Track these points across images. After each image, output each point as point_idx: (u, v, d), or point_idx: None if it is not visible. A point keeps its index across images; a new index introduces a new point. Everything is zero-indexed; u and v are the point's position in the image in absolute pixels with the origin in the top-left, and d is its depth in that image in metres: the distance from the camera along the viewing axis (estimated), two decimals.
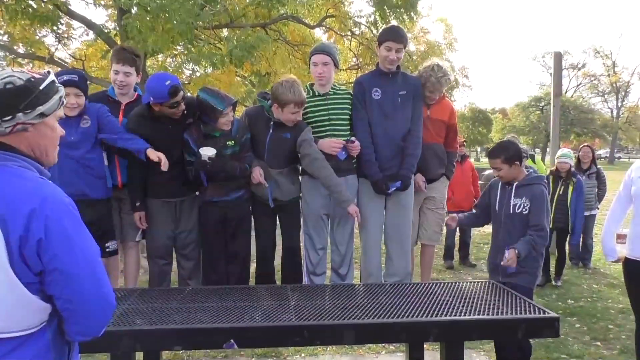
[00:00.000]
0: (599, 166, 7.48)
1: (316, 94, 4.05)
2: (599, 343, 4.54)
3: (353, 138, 3.98)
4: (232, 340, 2.62)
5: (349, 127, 4.09)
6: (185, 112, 3.80)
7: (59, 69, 8.93)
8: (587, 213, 6.83)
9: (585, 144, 7.79)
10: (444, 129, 4.39)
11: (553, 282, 6.41)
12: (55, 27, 8.34)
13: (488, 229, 4.37)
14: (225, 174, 3.78)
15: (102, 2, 9.88)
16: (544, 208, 3.55)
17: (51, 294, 1.50)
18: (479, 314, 2.85)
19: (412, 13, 10.10)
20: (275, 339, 2.76)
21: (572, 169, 6.49)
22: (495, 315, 2.86)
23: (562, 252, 6.51)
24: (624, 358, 4.21)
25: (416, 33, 19.59)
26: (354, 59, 13.96)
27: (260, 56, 9.20)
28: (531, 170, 3.81)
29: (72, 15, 8.43)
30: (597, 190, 7.27)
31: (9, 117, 1.52)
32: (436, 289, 3.40)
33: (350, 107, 4.07)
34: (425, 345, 3.61)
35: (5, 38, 9.84)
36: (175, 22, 6.53)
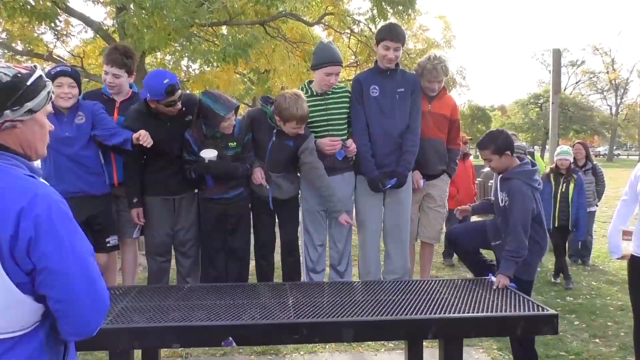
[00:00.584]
0: (594, 162, 7.46)
1: (314, 93, 4.04)
2: (597, 340, 4.54)
3: (349, 141, 3.98)
4: (230, 338, 2.62)
5: (347, 127, 4.08)
6: (185, 109, 3.79)
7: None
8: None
9: (578, 141, 7.77)
10: (446, 124, 4.33)
11: (552, 279, 6.41)
12: (53, 24, 8.35)
13: None
14: (228, 175, 3.78)
15: (101, 0, 9.86)
16: (520, 207, 3.45)
17: (43, 294, 1.47)
18: (478, 312, 2.85)
19: (410, 11, 10.09)
20: (274, 336, 2.76)
21: (572, 165, 6.48)
22: (494, 313, 2.86)
23: (563, 250, 6.47)
24: (623, 355, 4.21)
25: (415, 30, 19.55)
26: (353, 57, 13.95)
27: (259, 53, 9.20)
28: (526, 160, 3.72)
29: (71, 12, 8.42)
30: (595, 186, 7.26)
31: None
32: (435, 286, 3.40)
33: (348, 106, 4.06)
34: (424, 343, 3.61)
35: (3, 35, 9.82)
36: (171, 19, 6.52)
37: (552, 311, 2.85)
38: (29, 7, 7.29)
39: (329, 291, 3.30)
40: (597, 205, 7.51)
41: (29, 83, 1.52)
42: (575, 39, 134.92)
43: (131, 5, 6.90)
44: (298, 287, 3.42)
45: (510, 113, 52.36)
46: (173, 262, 4.09)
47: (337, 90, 4.09)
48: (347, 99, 4.06)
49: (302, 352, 4.22)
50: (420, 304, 2.97)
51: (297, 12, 10.06)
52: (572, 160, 6.53)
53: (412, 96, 4.05)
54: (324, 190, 3.89)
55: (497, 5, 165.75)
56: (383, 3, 9.95)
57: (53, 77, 3.57)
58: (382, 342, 4.28)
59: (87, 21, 8.55)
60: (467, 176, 7.18)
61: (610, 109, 53.93)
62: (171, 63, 11.61)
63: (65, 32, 11.13)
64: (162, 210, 3.90)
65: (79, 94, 3.75)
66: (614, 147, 56.49)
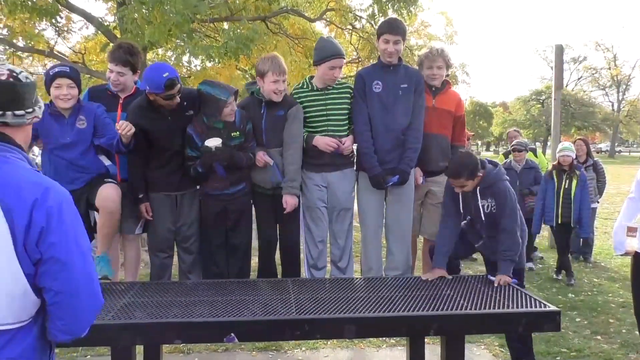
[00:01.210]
0: (595, 158, 7.45)
1: (314, 88, 4.02)
2: (599, 337, 4.54)
3: (344, 139, 3.97)
4: (232, 334, 2.63)
5: (346, 123, 4.06)
6: (185, 103, 3.78)
7: (59, 62, 8.90)
8: None
9: (579, 137, 7.74)
10: (450, 120, 4.27)
11: (554, 276, 6.41)
12: (54, 20, 8.32)
13: None
14: (234, 164, 3.78)
15: None
16: (511, 207, 3.53)
17: (42, 286, 1.52)
18: (480, 308, 2.85)
19: (412, 8, 10.04)
20: (276, 332, 2.77)
21: (575, 162, 6.46)
22: (497, 309, 2.85)
23: (566, 247, 6.44)
24: (625, 352, 4.21)
25: (417, 26, 19.49)
26: (354, 53, 13.92)
27: (261, 49, 9.17)
28: (484, 163, 3.68)
29: (72, 8, 8.41)
30: (596, 182, 7.25)
31: (31, 110, 1.61)
32: (437, 282, 3.40)
33: (349, 102, 4.04)
34: (426, 339, 3.61)
35: (4, 31, 9.80)
36: (171, 14, 6.50)
37: (554, 308, 2.85)
38: (30, 3, 7.26)
39: (330, 287, 3.30)
40: (598, 202, 7.50)
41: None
42: (577, 35, 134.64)
43: (132, 0, 6.88)
44: (299, 284, 3.42)
45: (512, 109, 52.36)
46: (175, 258, 4.10)
47: (338, 86, 4.06)
48: (349, 95, 4.04)
49: (303, 348, 4.22)
50: (421, 300, 2.97)
51: (299, 8, 10.05)
52: (574, 156, 6.51)
53: (415, 92, 4.02)
54: (289, 160, 3.86)
55: (499, 1, 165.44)
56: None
57: (51, 78, 3.55)
58: (384, 338, 4.29)
59: (88, 17, 8.54)
60: None
61: (612, 105, 53.88)
62: (173, 59, 11.59)
63: (66, 29, 11.09)
64: (164, 206, 3.89)
65: (79, 94, 3.73)
66: (616, 144, 56.44)
